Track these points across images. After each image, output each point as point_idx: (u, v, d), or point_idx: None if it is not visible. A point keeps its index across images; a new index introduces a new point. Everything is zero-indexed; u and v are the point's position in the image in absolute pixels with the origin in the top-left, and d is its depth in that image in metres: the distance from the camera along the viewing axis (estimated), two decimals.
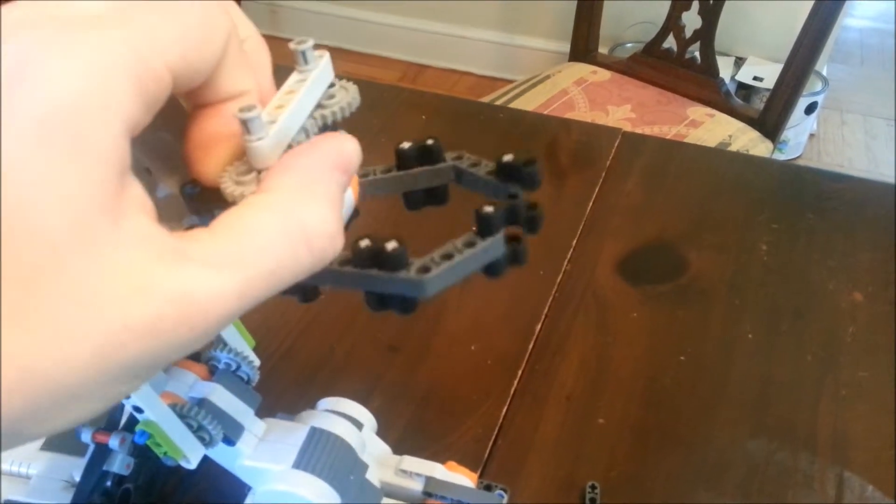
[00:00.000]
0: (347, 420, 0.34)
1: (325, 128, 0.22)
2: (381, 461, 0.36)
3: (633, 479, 0.44)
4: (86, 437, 0.33)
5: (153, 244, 0.16)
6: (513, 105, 1.28)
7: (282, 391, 0.47)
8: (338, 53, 2.22)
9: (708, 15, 1.25)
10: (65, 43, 0.15)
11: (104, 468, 0.34)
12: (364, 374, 0.50)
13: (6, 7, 0.16)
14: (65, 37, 0.15)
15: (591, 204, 0.64)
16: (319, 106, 0.21)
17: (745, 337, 0.52)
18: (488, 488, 0.39)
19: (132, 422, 0.35)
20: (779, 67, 1.22)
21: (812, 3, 1.13)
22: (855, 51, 2.33)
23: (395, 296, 0.22)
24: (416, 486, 0.35)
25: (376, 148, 0.62)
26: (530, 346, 0.52)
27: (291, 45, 0.21)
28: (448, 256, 0.21)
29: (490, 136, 0.73)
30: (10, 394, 0.14)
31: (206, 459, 0.30)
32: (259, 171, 0.19)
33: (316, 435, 0.31)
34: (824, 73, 1.89)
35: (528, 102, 1.30)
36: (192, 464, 0.28)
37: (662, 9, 1.30)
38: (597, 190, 0.66)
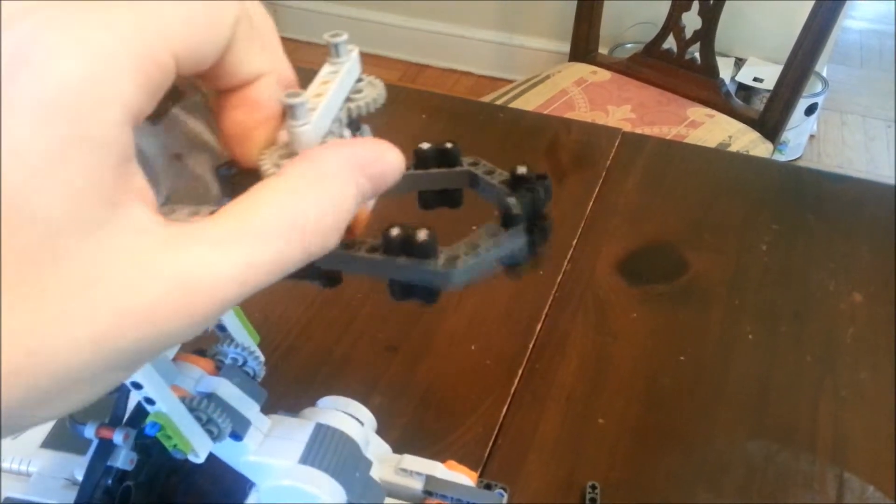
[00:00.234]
0: (349, 416, 0.34)
1: (351, 121, 0.22)
2: (381, 460, 0.36)
3: (633, 479, 0.44)
4: (89, 432, 0.33)
5: (152, 232, 0.16)
6: (513, 105, 1.29)
7: (283, 389, 0.47)
8: None
9: (708, 15, 1.25)
10: (68, 27, 0.15)
11: (108, 464, 0.34)
12: (364, 373, 0.50)
13: None
14: (68, 20, 0.15)
15: (591, 204, 0.64)
16: (348, 99, 0.22)
17: (745, 337, 0.52)
18: (488, 487, 0.39)
19: (136, 417, 0.35)
20: (778, 68, 1.22)
21: (812, 4, 1.13)
22: (854, 52, 2.33)
23: (419, 285, 0.22)
24: (417, 485, 0.35)
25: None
26: (530, 346, 0.52)
27: (326, 37, 0.21)
28: (473, 246, 0.21)
29: (490, 136, 0.73)
30: (11, 376, 0.14)
31: (208, 457, 0.30)
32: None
33: (322, 431, 0.31)
34: (824, 74, 1.90)
35: (528, 102, 1.30)
36: (200, 458, 0.29)
37: (662, 9, 1.31)
38: (597, 190, 0.66)
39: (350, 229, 0.22)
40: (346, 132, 0.22)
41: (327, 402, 0.36)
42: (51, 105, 0.14)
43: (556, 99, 1.30)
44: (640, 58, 1.36)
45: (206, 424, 0.28)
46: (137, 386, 0.26)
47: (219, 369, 0.32)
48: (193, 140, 0.22)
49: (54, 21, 0.15)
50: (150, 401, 0.27)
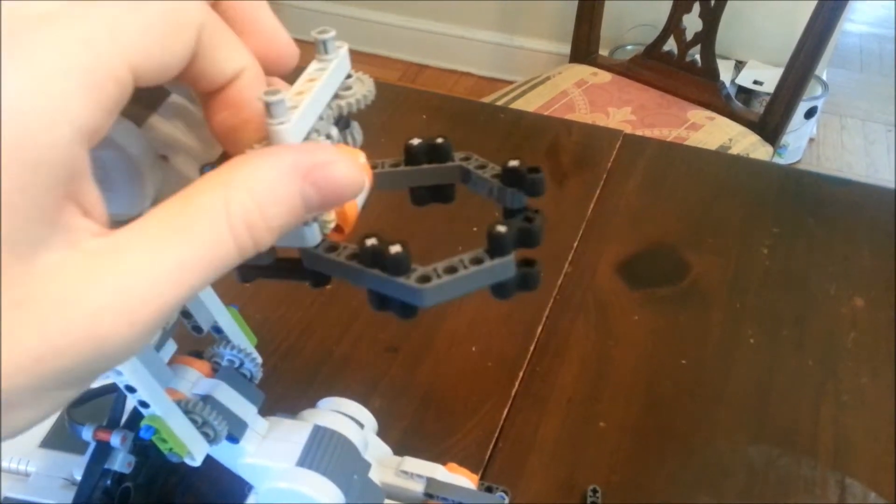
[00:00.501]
0: (349, 418, 0.34)
1: (340, 118, 0.22)
2: (381, 462, 0.36)
3: (634, 482, 0.44)
4: (87, 434, 0.33)
5: (89, 247, 0.16)
6: (513, 106, 1.28)
7: (282, 391, 0.47)
8: None
9: (709, 18, 1.25)
10: (14, 45, 0.15)
11: (105, 466, 0.34)
12: (364, 374, 0.49)
13: None
14: (15, 39, 0.15)
15: (591, 206, 0.64)
16: (336, 96, 0.22)
17: (746, 341, 0.52)
18: (489, 490, 0.39)
19: (133, 419, 0.34)
20: (778, 72, 1.22)
21: (812, 7, 1.13)
22: (854, 56, 2.33)
23: (396, 299, 0.21)
24: (418, 488, 0.35)
25: (377, 147, 0.62)
26: (531, 348, 0.51)
27: (313, 34, 0.21)
28: (452, 270, 0.20)
29: (491, 137, 0.73)
30: None
31: (206, 459, 0.30)
32: None
33: (320, 433, 0.31)
34: (824, 77, 1.90)
35: (529, 104, 1.29)
36: (196, 461, 0.28)
37: (663, 11, 1.30)
38: (598, 192, 0.66)
39: (339, 227, 0.22)
40: (334, 130, 0.22)
41: (327, 403, 0.35)
42: None
43: (557, 100, 1.30)
44: (641, 60, 1.36)
45: (202, 427, 0.28)
46: (131, 389, 0.26)
47: (215, 371, 0.31)
48: (176, 143, 0.22)
49: (3, 43, 0.15)
50: (144, 404, 0.27)
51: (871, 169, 1.93)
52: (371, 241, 0.20)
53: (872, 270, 0.58)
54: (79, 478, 0.36)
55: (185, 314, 0.31)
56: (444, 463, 0.36)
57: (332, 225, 0.21)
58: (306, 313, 0.53)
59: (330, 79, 0.21)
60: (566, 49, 1.44)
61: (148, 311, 0.16)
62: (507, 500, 0.39)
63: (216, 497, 0.40)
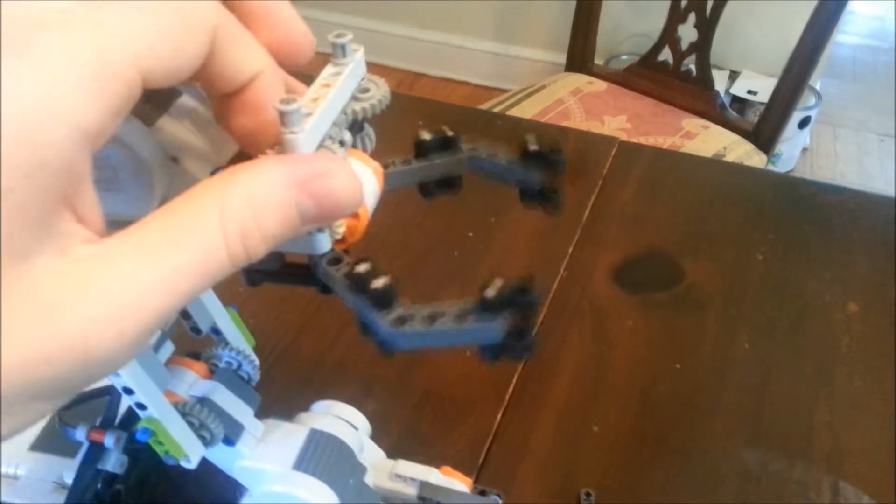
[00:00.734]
0: (344, 421, 0.34)
1: (355, 122, 0.22)
2: (375, 465, 0.36)
3: (627, 487, 0.44)
4: (80, 435, 0.33)
5: (81, 254, 0.15)
6: (509, 114, 1.29)
7: (277, 393, 0.47)
8: None
9: (704, 28, 1.26)
10: (21, 45, 0.14)
11: (98, 467, 0.33)
12: (359, 377, 0.49)
13: None
14: (23, 38, 0.15)
15: (587, 212, 0.64)
16: (354, 98, 0.22)
17: (742, 347, 0.52)
18: (483, 493, 0.38)
19: (127, 420, 0.34)
20: (772, 82, 1.23)
21: (807, 18, 1.14)
22: (848, 66, 2.35)
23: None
24: (411, 491, 0.35)
25: (374, 153, 0.62)
26: None
27: (330, 38, 0.21)
28: (432, 318, 0.19)
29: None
30: None
31: (200, 460, 0.30)
32: None
33: (316, 437, 0.31)
34: (818, 87, 1.91)
35: (524, 112, 1.30)
36: (192, 463, 0.28)
37: (658, 22, 1.31)
38: (593, 198, 0.66)
39: (344, 238, 0.22)
40: (347, 135, 0.22)
41: (322, 406, 0.35)
42: None
43: (552, 108, 1.31)
44: (636, 69, 1.37)
45: (199, 430, 0.28)
46: (129, 391, 0.26)
47: (213, 373, 0.31)
48: (186, 144, 0.22)
49: (9, 45, 0.14)
50: (141, 406, 0.27)
51: (863, 178, 1.94)
52: (363, 267, 0.20)
53: (867, 277, 0.58)
54: (69, 481, 0.36)
55: (185, 315, 0.31)
56: (437, 466, 0.36)
57: (343, 231, 0.21)
58: (302, 315, 0.53)
59: (345, 83, 0.21)
60: (562, 58, 1.45)
61: (137, 322, 0.15)
62: None
63: (208, 499, 0.40)
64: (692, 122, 1.28)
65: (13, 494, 0.40)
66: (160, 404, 0.27)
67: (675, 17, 1.28)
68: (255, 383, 0.32)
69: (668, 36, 1.30)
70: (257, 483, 0.30)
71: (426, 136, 0.25)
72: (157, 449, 0.27)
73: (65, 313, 0.15)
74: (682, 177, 0.69)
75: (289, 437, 0.31)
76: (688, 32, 1.28)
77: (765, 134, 1.24)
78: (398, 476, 0.35)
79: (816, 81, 1.91)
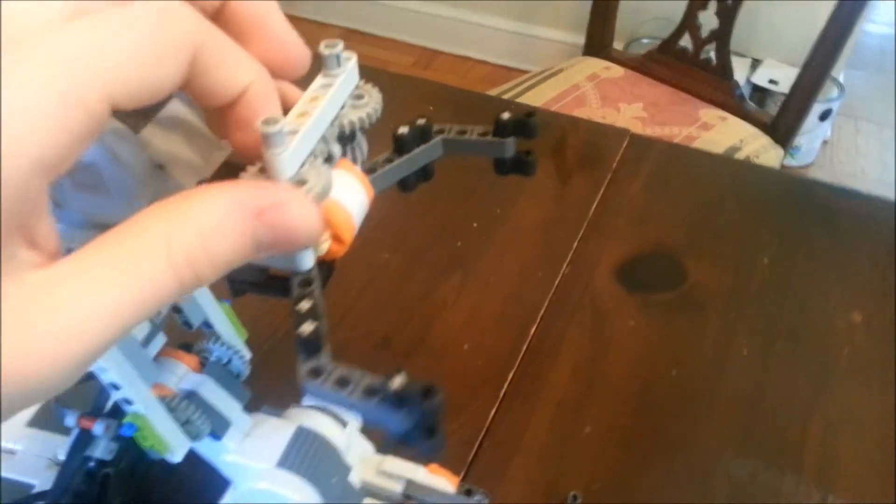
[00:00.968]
0: (333, 417, 0.34)
1: (344, 135, 0.22)
2: (363, 460, 0.36)
3: (616, 490, 0.44)
4: (70, 421, 0.33)
5: (28, 281, 0.15)
6: (524, 97, 1.28)
7: (270, 384, 0.47)
8: (353, 36, 2.20)
9: (725, 15, 1.23)
10: None
11: (87, 453, 0.34)
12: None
13: None
14: None
15: (594, 206, 0.64)
16: (350, 106, 0.21)
17: (740, 353, 0.52)
18: (469, 493, 0.39)
19: (117, 407, 0.35)
20: (794, 71, 1.20)
21: (832, 6, 1.11)
22: (873, 57, 2.30)
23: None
24: (397, 488, 0.35)
25: (383, 137, 0.62)
26: (523, 349, 0.51)
27: (321, 49, 0.21)
28: (343, 383, 0.19)
29: None
30: None
31: (187, 451, 0.30)
32: None
33: (302, 435, 0.31)
34: (840, 79, 1.87)
35: (541, 95, 1.29)
36: (176, 458, 0.28)
37: (679, 5, 1.29)
38: (601, 192, 0.65)
39: (330, 253, 0.22)
40: (336, 148, 0.22)
41: (312, 400, 0.35)
42: None
43: (569, 93, 1.29)
44: (655, 55, 1.35)
45: (185, 425, 0.28)
46: (115, 387, 0.26)
47: (203, 366, 0.31)
48: (173, 152, 0.22)
49: None
50: (127, 402, 0.27)
51: (885, 174, 1.91)
52: (305, 305, 0.20)
53: (873, 285, 0.57)
54: (62, 458, 0.37)
55: (176, 309, 0.31)
56: (425, 463, 0.36)
57: (326, 247, 0.21)
58: None
59: (335, 96, 0.21)
60: (582, 40, 1.43)
61: (74, 351, 0.15)
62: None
63: (198, 485, 0.41)
64: (709, 113, 1.26)
65: (10, 469, 0.40)
66: (147, 400, 0.27)
67: (696, 4, 1.26)
68: (244, 378, 0.33)
69: (689, 22, 1.28)
70: (242, 478, 0.31)
71: (403, 129, 0.25)
72: (142, 443, 0.28)
73: (1, 339, 0.14)
74: (692, 173, 0.68)
75: (275, 434, 0.31)
76: (709, 19, 1.26)
77: (783, 127, 1.22)
78: (384, 472, 0.35)
79: (840, 72, 1.88)
